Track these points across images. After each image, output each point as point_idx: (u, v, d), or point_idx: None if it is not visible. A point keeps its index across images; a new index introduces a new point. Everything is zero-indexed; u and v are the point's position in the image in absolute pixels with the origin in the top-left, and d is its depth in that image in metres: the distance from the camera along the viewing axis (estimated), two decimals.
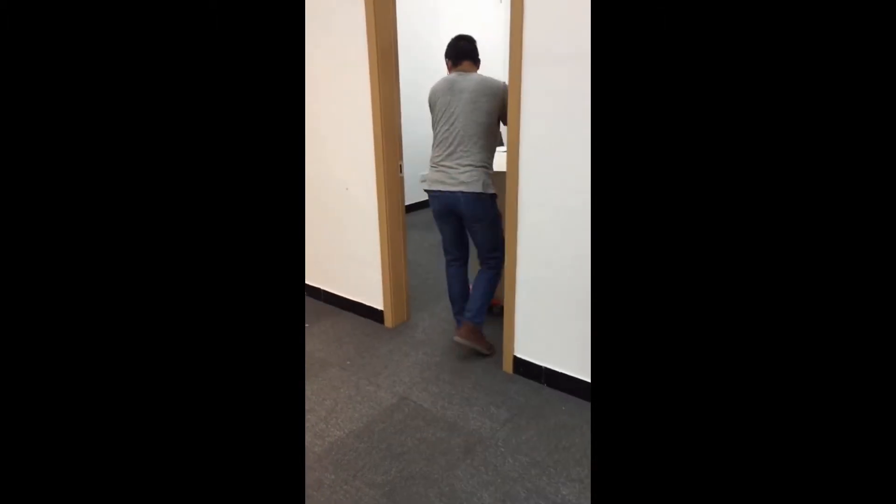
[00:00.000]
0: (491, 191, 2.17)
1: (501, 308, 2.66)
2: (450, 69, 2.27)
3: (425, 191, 2.34)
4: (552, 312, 2.03)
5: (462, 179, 2.12)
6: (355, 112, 2.43)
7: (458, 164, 2.14)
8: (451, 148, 2.16)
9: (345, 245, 2.74)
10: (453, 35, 2.28)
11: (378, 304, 2.68)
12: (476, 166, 2.13)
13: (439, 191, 2.21)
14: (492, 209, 2.20)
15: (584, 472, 1.65)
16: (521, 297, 2.11)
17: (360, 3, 2.22)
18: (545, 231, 1.96)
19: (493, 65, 5.14)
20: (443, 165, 2.19)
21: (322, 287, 2.96)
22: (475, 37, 2.30)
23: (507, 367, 2.23)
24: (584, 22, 1.66)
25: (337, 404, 2.03)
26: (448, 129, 2.16)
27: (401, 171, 2.51)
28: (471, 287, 2.41)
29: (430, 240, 4.12)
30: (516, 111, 1.89)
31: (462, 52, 2.21)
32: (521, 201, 1.99)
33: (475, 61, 2.24)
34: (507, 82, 1.98)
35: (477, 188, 2.13)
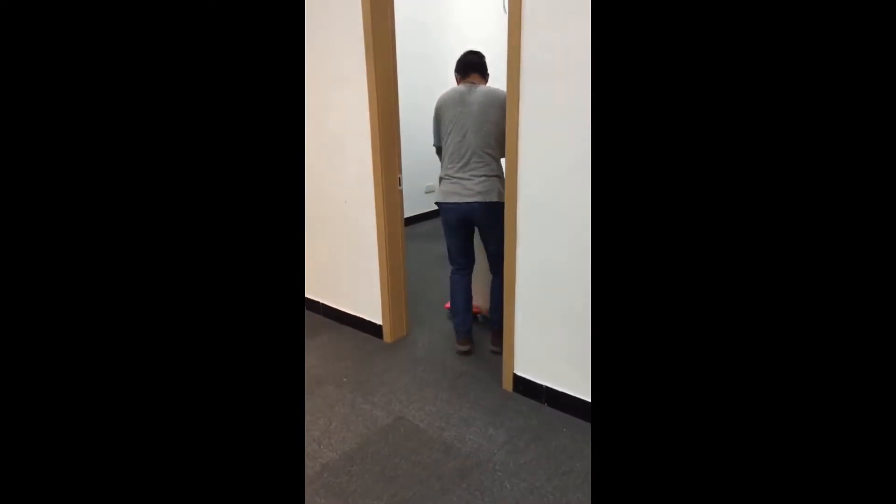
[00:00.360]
0: (503, 199, 2.18)
1: (485, 317, 2.77)
2: (458, 82, 2.29)
3: (437, 203, 2.33)
4: (553, 329, 1.97)
5: (478, 190, 2.16)
6: (353, 124, 2.40)
7: (473, 176, 2.18)
8: (465, 160, 2.19)
9: (344, 258, 2.71)
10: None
11: (377, 318, 2.64)
12: (490, 176, 2.18)
13: (455, 202, 2.23)
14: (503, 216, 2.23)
15: (586, 499, 1.59)
16: (520, 314, 2.06)
17: (358, 11, 2.20)
18: (545, 246, 1.91)
19: (499, 75, 5.12)
20: (456, 177, 2.22)
21: (321, 301, 2.92)
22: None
23: (507, 384, 2.17)
24: (583, 35, 1.61)
25: (331, 424, 1.98)
26: (460, 141, 2.19)
27: (400, 184, 2.47)
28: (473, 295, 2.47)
29: (434, 251, 4.08)
30: (514, 126, 1.85)
31: (470, 65, 2.26)
32: (520, 216, 1.94)
33: (483, 74, 2.28)
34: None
35: (493, 197, 2.18)
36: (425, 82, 4.53)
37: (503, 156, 2.23)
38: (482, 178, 2.17)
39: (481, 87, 2.20)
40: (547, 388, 2.05)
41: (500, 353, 2.39)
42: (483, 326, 2.74)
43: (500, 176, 2.21)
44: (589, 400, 1.94)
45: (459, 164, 2.20)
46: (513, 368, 2.14)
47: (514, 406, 2.07)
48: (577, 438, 1.86)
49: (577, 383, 1.96)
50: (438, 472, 1.71)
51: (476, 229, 2.37)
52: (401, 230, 2.54)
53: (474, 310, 2.70)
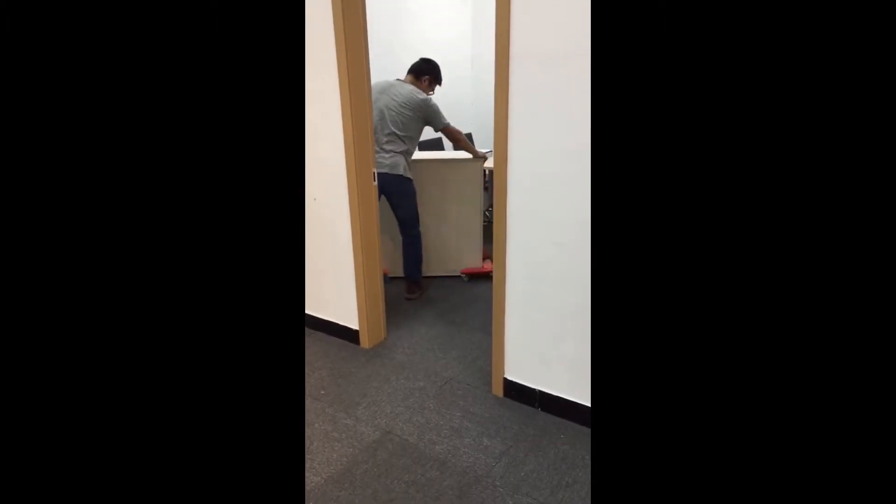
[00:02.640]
0: (409, 175, 2.81)
1: (391, 277, 3.25)
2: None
3: None
4: (545, 331, 1.88)
5: (388, 164, 2.71)
6: (323, 116, 2.21)
7: (384, 150, 2.72)
8: (384, 138, 2.71)
9: (315, 260, 2.52)
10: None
11: (353, 323, 2.48)
12: (397, 152, 2.74)
13: (377, 173, 2.60)
14: (411, 189, 2.86)
15: None
16: (510, 315, 1.95)
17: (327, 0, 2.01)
18: (536, 244, 1.80)
19: (462, 61, 4.96)
20: (375, 153, 2.59)
21: None
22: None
23: (498, 390, 2.07)
24: (576, 17, 1.50)
25: (312, 444, 1.82)
26: (379, 121, 2.69)
27: (375, 180, 2.31)
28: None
29: None
30: (504, 116, 1.72)
31: (411, 68, 2.86)
32: (510, 213, 1.83)
33: (416, 76, 2.83)
34: (427, 98, 2.74)
35: (399, 171, 2.75)
36: (396, 67, 4.31)
37: (415, 141, 2.83)
38: (391, 154, 2.72)
39: (407, 85, 2.76)
40: (540, 392, 1.96)
41: (414, 300, 2.99)
42: (390, 285, 3.11)
43: (405, 155, 2.77)
44: (584, 403, 1.86)
45: (380, 143, 2.70)
46: (503, 373, 2.04)
47: (507, 413, 1.97)
48: (577, 445, 1.78)
49: (571, 387, 1.88)
50: (435, 492, 1.59)
51: (384, 198, 2.77)
52: (375, 229, 2.38)
53: (384, 271, 3.07)
